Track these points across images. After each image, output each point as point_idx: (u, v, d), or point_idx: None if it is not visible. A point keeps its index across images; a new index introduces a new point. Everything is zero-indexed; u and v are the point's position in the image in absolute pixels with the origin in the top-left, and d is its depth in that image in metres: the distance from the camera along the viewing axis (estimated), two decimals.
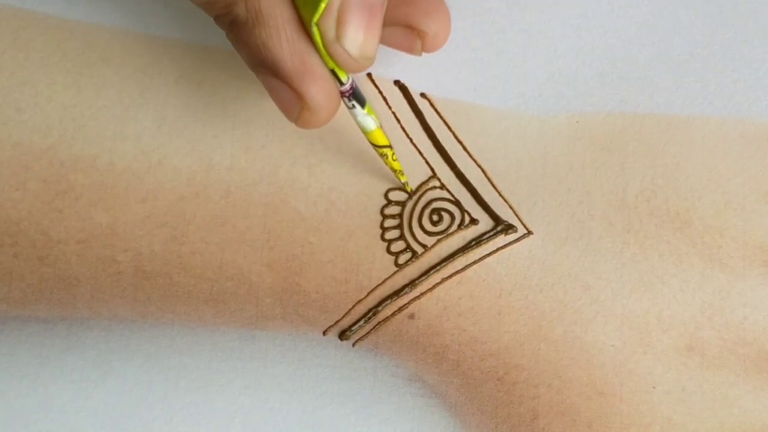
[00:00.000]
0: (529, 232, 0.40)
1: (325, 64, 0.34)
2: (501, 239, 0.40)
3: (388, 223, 0.40)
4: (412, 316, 0.39)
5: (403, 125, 0.41)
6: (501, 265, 0.40)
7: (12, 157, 0.40)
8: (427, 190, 0.41)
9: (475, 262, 0.40)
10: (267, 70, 0.34)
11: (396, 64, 0.42)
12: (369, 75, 0.42)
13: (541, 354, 0.39)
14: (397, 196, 0.41)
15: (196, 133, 0.41)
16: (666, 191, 0.40)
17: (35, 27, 0.41)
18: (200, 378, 0.39)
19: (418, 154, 0.41)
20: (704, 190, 0.40)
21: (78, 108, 0.41)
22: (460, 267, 0.40)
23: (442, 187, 0.41)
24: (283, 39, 0.33)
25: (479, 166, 0.41)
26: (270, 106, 0.41)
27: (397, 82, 0.42)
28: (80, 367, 0.39)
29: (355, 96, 0.36)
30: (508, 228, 0.40)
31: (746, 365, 0.39)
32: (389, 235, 0.40)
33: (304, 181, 0.40)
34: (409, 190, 0.40)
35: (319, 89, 0.34)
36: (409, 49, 0.38)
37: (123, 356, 0.39)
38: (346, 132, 0.41)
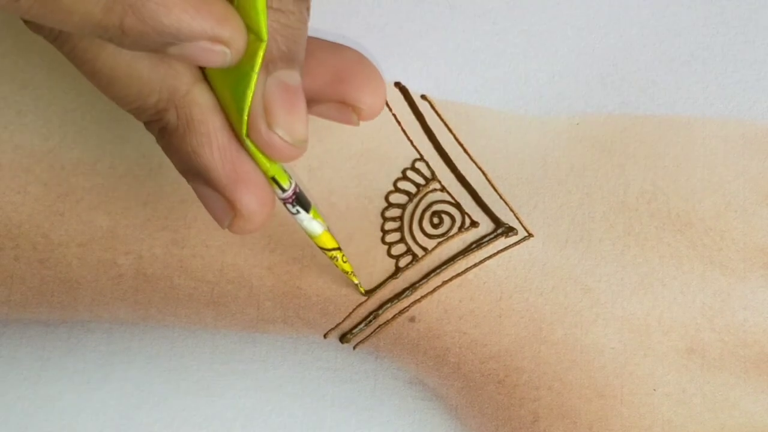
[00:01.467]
0: (530, 235, 0.40)
1: (265, 173, 0.33)
2: (501, 242, 0.40)
3: (389, 225, 0.40)
4: (412, 319, 0.40)
5: (403, 127, 0.41)
6: (501, 268, 0.40)
7: (13, 160, 0.40)
8: (427, 193, 0.41)
9: (475, 265, 0.40)
10: (198, 178, 0.33)
11: (396, 66, 0.42)
12: None
13: (542, 356, 0.39)
14: (397, 198, 0.41)
15: None
16: (667, 193, 0.40)
17: None
18: (201, 381, 0.39)
19: (418, 156, 0.41)
20: (705, 192, 0.40)
21: (79, 111, 0.41)
22: (460, 270, 0.40)
23: (443, 189, 0.41)
24: (214, 146, 0.32)
25: (480, 168, 0.41)
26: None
27: (397, 84, 0.42)
28: (81, 369, 0.39)
29: (298, 201, 0.35)
30: (509, 230, 0.40)
31: (747, 367, 0.39)
32: (390, 237, 0.40)
33: (304, 184, 0.40)
34: (362, 291, 0.39)
35: (251, 196, 0.33)
36: (347, 122, 0.37)
37: (124, 359, 0.39)
38: (346, 135, 0.41)
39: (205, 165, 0.32)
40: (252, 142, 0.32)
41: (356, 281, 0.39)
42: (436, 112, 0.41)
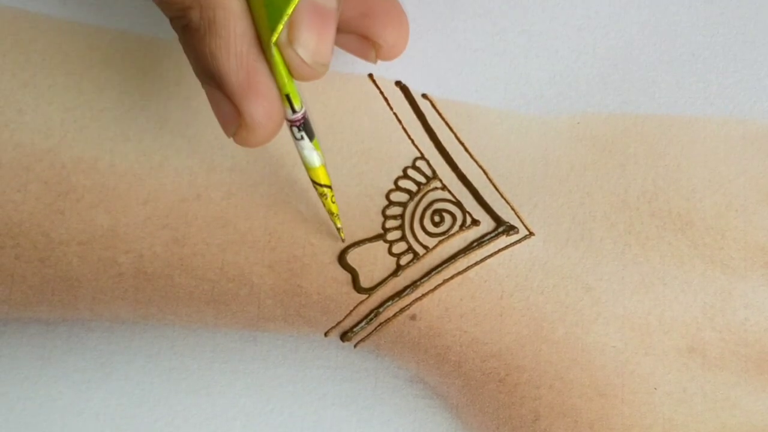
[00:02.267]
0: (531, 234, 0.40)
1: (281, 87, 0.33)
2: (502, 240, 0.40)
3: (390, 224, 0.40)
4: (413, 318, 0.39)
5: (404, 126, 0.41)
6: (502, 267, 0.40)
7: (13, 158, 0.40)
8: (428, 191, 0.41)
9: (476, 264, 0.40)
10: (212, 81, 0.33)
11: (397, 65, 0.42)
12: (370, 75, 0.42)
13: (543, 355, 0.39)
14: (398, 197, 0.41)
15: (197, 135, 0.41)
16: (667, 192, 0.40)
17: (37, 29, 0.41)
18: (201, 379, 0.39)
19: (419, 154, 0.41)
20: (706, 192, 0.40)
21: (79, 110, 0.41)
22: (461, 268, 0.40)
23: (444, 188, 0.41)
24: (232, 52, 0.32)
25: (481, 167, 0.41)
26: None
27: (398, 83, 0.42)
28: (81, 368, 0.39)
29: (305, 127, 0.34)
30: (510, 229, 0.40)
31: (748, 366, 0.39)
32: (391, 236, 0.40)
33: (305, 183, 0.40)
34: (342, 236, 0.39)
35: (260, 108, 0.33)
36: (364, 57, 0.37)
37: (124, 358, 0.39)
38: (348, 133, 0.41)
39: (219, 69, 0.32)
40: (279, 51, 0.32)
41: (339, 225, 0.39)
42: (437, 111, 0.41)
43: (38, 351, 0.39)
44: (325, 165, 0.36)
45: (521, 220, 0.40)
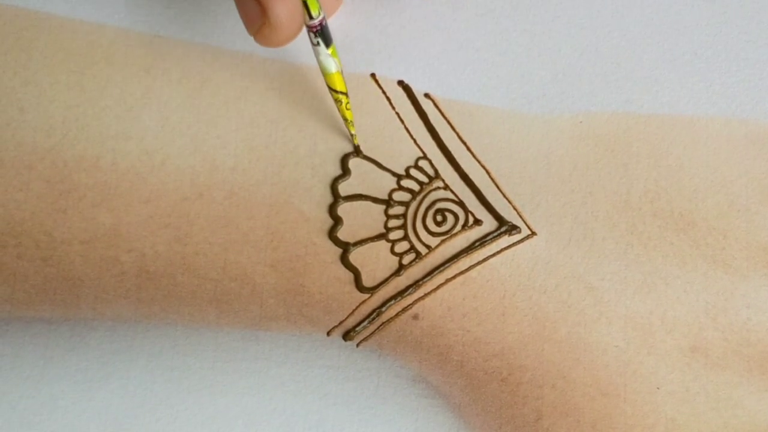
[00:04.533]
0: (533, 233, 0.40)
1: None
2: (505, 240, 0.40)
3: (392, 223, 0.40)
4: (416, 317, 0.39)
5: (407, 126, 0.41)
6: (505, 266, 0.40)
7: (15, 157, 0.40)
8: (431, 191, 0.41)
9: (479, 263, 0.40)
10: None
11: (400, 65, 0.42)
12: (373, 75, 0.42)
13: (545, 355, 0.39)
14: (401, 196, 0.41)
15: (199, 134, 0.41)
16: (669, 192, 0.40)
17: (38, 27, 0.41)
18: (204, 379, 0.39)
19: (422, 154, 0.41)
20: (708, 192, 0.40)
21: (81, 108, 0.41)
22: (464, 268, 0.40)
23: (446, 187, 0.41)
24: None
25: (483, 167, 0.41)
26: (273, 108, 0.41)
27: (400, 83, 0.42)
28: (84, 367, 0.39)
29: (322, 34, 0.37)
30: (512, 229, 0.40)
31: (750, 366, 0.39)
32: (393, 235, 0.40)
33: (307, 182, 0.40)
34: (355, 142, 0.40)
35: (283, 7, 0.36)
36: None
37: (126, 357, 0.39)
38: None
39: None
40: None
41: (353, 132, 0.40)
42: (440, 110, 0.41)
43: (40, 350, 0.39)
44: (341, 72, 0.38)
45: (523, 220, 0.40)
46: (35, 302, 0.39)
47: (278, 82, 0.41)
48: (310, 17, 0.36)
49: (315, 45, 0.37)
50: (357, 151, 0.40)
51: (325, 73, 0.38)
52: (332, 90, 0.38)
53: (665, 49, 0.42)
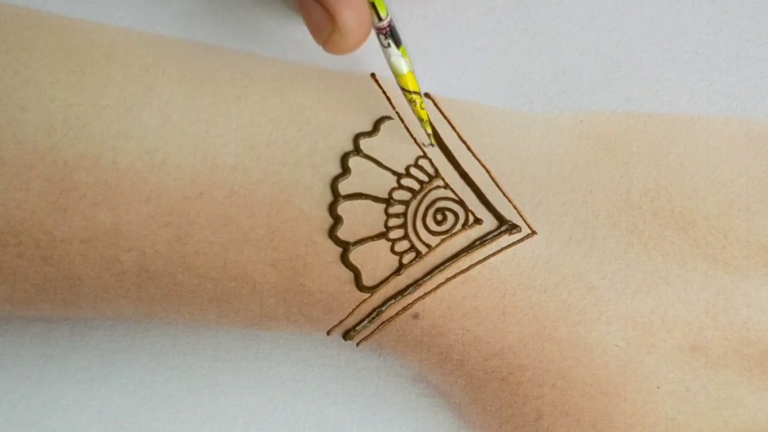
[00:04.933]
0: (534, 232, 0.40)
1: None
2: (505, 239, 0.40)
3: (392, 222, 0.40)
4: (416, 316, 0.39)
5: (406, 125, 0.41)
6: (505, 265, 0.40)
7: (15, 156, 0.40)
8: (431, 190, 0.41)
9: (479, 262, 0.40)
10: None
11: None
12: (373, 75, 0.42)
13: (546, 354, 0.39)
14: (401, 195, 0.41)
15: (199, 133, 0.41)
16: (670, 191, 0.40)
17: (38, 26, 0.41)
18: (204, 378, 0.39)
19: (422, 153, 0.41)
20: (708, 191, 0.40)
21: (81, 107, 0.41)
22: (464, 267, 0.40)
23: (446, 186, 0.41)
24: None
25: (483, 166, 0.41)
26: (272, 107, 0.41)
27: None
28: (84, 367, 0.39)
29: (392, 35, 0.36)
30: (513, 228, 0.40)
31: (750, 365, 0.39)
32: (393, 234, 0.40)
33: (308, 181, 0.40)
34: (432, 142, 0.40)
35: (352, 13, 0.35)
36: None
37: (127, 356, 0.39)
38: (350, 133, 0.41)
39: None
40: None
41: (429, 131, 0.40)
42: (440, 109, 0.41)
43: (41, 349, 0.39)
44: (413, 71, 0.38)
45: (524, 219, 0.40)
46: (35, 301, 0.39)
47: (278, 81, 0.41)
48: (380, 18, 0.36)
49: (386, 47, 0.37)
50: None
51: (397, 74, 0.38)
52: (405, 91, 0.38)
53: (666, 48, 0.42)
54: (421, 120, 0.39)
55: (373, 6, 0.36)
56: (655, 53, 0.42)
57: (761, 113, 0.41)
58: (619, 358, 0.39)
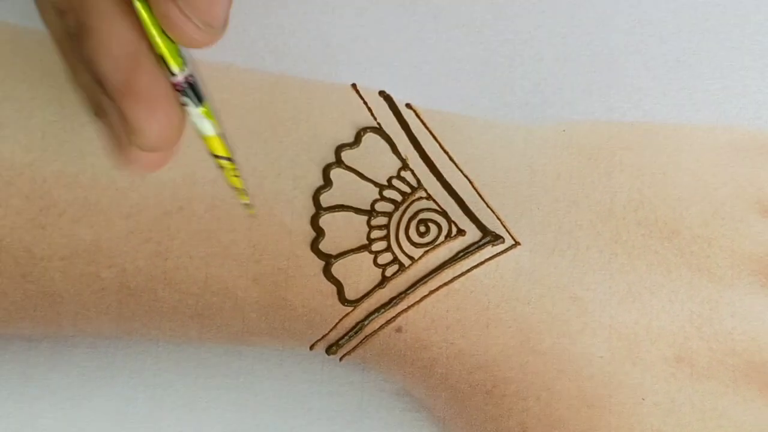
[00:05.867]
0: (517, 243, 0.40)
1: (156, 48, 0.28)
2: (488, 250, 0.40)
3: (375, 234, 0.40)
4: (399, 330, 0.39)
5: (389, 136, 0.41)
6: (488, 277, 0.40)
7: None
8: (414, 201, 0.41)
9: (462, 274, 0.40)
10: (102, 95, 0.29)
11: (381, 75, 0.41)
12: (354, 86, 0.41)
13: (530, 366, 0.39)
14: (383, 207, 0.40)
15: (179, 147, 0.40)
16: (653, 201, 0.40)
17: (17, 42, 0.41)
18: (186, 394, 0.39)
19: (404, 165, 0.41)
20: (692, 200, 0.40)
21: (60, 123, 0.40)
22: (447, 279, 0.40)
23: (429, 197, 0.41)
24: (107, 54, 0.28)
25: (466, 177, 0.41)
26: (253, 119, 0.40)
27: (382, 93, 0.41)
28: (65, 385, 0.38)
29: (193, 91, 0.30)
30: (496, 238, 0.40)
31: (735, 376, 0.39)
32: (376, 246, 0.40)
33: (289, 193, 0.40)
34: (252, 213, 0.37)
35: (148, 111, 0.29)
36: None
37: (108, 374, 0.39)
38: (331, 144, 0.40)
39: (100, 73, 0.29)
40: (147, 5, 0.27)
41: (246, 200, 0.34)
42: (422, 121, 0.41)
43: (20, 368, 0.38)
44: (222, 135, 0.31)
45: (507, 230, 0.40)
46: (15, 319, 0.39)
47: (258, 93, 0.41)
48: (171, 74, 0.29)
49: (184, 105, 0.30)
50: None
51: (203, 138, 0.31)
52: (213, 155, 0.32)
53: (648, 57, 0.42)
54: (234, 189, 0.33)
55: (163, 59, 0.29)
56: (637, 62, 0.41)
57: (745, 121, 0.41)
58: (603, 370, 0.39)
